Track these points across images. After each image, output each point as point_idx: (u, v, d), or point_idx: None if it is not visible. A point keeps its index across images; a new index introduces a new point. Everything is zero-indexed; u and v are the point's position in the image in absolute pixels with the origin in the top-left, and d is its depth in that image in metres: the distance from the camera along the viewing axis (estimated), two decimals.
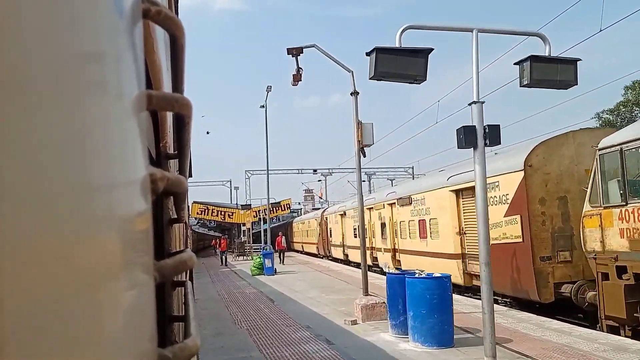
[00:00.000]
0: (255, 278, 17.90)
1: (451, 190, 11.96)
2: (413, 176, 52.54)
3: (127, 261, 0.44)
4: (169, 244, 1.02)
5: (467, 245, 11.47)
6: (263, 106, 28.35)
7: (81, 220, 0.32)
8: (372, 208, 17.98)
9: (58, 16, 0.31)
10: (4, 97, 0.24)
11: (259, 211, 46.57)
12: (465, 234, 11.61)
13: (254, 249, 36.56)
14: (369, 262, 18.46)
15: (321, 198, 57.36)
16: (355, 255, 21.27)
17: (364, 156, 10.00)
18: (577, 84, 6.39)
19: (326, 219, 29.81)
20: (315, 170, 53.18)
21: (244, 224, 49.96)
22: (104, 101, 0.40)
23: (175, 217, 1.09)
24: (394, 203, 16.13)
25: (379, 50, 5.77)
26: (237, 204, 53.34)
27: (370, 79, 6.01)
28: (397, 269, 15.32)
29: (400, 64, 6.00)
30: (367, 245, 19.07)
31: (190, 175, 7.25)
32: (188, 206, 8.97)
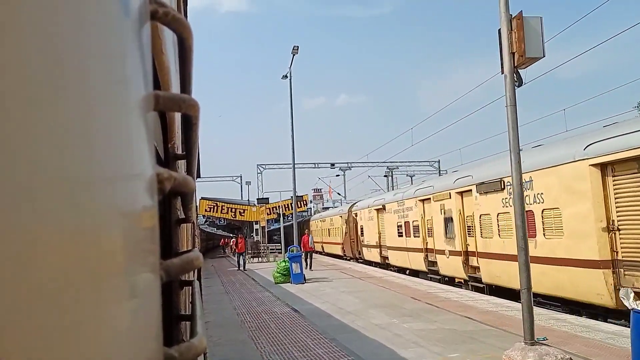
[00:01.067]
0: (280, 287, 14.82)
1: (593, 165, 8.19)
2: (439, 171, 47.24)
3: (133, 260, 0.46)
4: (177, 244, 1.03)
5: (623, 248, 7.70)
6: (286, 76, 25.49)
7: (88, 219, 0.34)
8: (427, 200, 15.57)
9: (65, 17, 0.32)
10: (11, 97, 0.25)
11: (273, 208, 44.20)
12: (619, 230, 7.81)
13: (272, 249, 34.88)
14: (422, 267, 17.50)
15: (331, 197, 54.40)
16: (399, 259, 19.40)
17: (519, 85, 6.20)
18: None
19: (356, 215, 26.87)
20: (333, 164, 53.89)
21: (256, 222, 46.15)
22: (112, 101, 0.41)
23: (183, 217, 1.11)
24: (469, 190, 12.69)
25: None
26: (248, 200, 51.14)
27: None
28: (470, 277, 13.15)
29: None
30: (420, 246, 17.42)
31: (198, 176, 7.02)
32: (196, 205, 8.07)
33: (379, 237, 20.90)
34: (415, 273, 16.80)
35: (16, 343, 0.24)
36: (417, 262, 16.23)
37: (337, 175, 53.94)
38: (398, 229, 17.87)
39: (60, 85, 0.31)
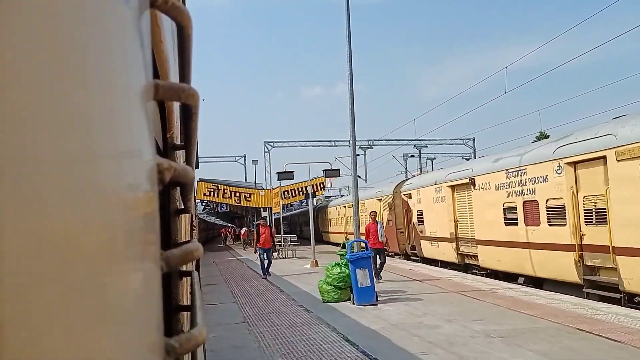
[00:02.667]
0: (338, 312, 8.94)
1: None
2: (474, 151, 48.61)
3: (134, 250, 0.48)
4: (176, 234, 1.07)
5: None
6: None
7: (88, 209, 0.35)
8: (589, 162, 9.75)
9: (64, 4, 0.33)
10: (10, 86, 0.26)
11: (293, 190, 36.80)
12: None
13: (292, 241, 28.44)
14: (569, 275, 10.39)
15: (330, 187, 48.25)
16: (504, 259, 12.78)
17: None
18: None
19: (408, 197, 20.08)
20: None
21: (264, 209, 38.90)
22: (111, 91, 0.43)
23: (182, 207, 1.13)
24: None
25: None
26: (255, 182, 43.51)
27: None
28: None
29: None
30: (567, 240, 10.38)
31: (197, 166, 6.77)
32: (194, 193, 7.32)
33: (455, 227, 15.77)
34: (537, 282, 11.38)
35: (16, 332, 0.24)
36: (557, 266, 10.52)
37: (357, 155, 43.08)
38: (505, 214, 12.45)
39: (60, 74, 0.31)
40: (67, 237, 0.31)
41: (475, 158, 32.37)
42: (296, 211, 55.03)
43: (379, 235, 11.59)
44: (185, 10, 0.71)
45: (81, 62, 0.35)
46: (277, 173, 20.48)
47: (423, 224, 17.66)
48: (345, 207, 32.36)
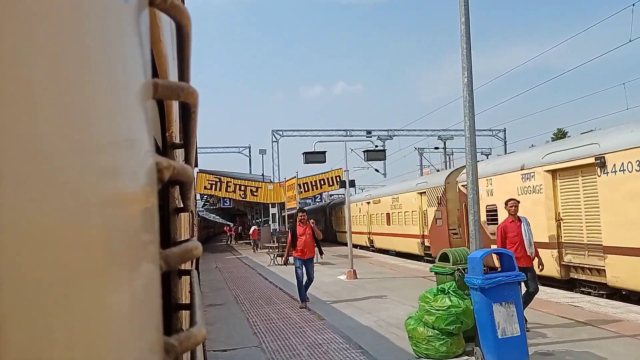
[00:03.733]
0: None
1: None
2: (505, 144, 44.29)
3: (133, 249, 0.50)
4: (175, 233, 1.09)
5: None
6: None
7: (87, 208, 0.35)
8: None
9: (63, 3, 0.33)
10: (8, 85, 0.26)
11: (312, 182, 32.68)
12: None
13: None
14: None
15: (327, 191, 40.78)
16: None
17: None
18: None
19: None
20: (369, 132, 42.88)
21: (273, 205, 34.09)
22: (109, 90, 0.43)
23: (182, 206, 1.14)
24: None
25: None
26: (262, 175, 39.61)
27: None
28: None
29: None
30: None
31: (196, 165, 6.87)
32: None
33: (557, 228, 11.34)
34: None
35: (14, 332, 0.25)
36: None
37: (376, 147, 37.34)
38: None
39: (58, 73, 0.31)
40: (65, 236, 0.31)
41: (505, 152, 29.53)
42: (305, 208, 50.66)
43: (527, 245, 6.57)
44: (184, 9, 0.73)
45: (79, 60, 0.35)
46: (304, 154, 15.50)
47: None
48: (369, 202, 29.56)
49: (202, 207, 59.54)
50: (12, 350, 0.24)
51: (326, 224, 39.06)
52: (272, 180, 34.89)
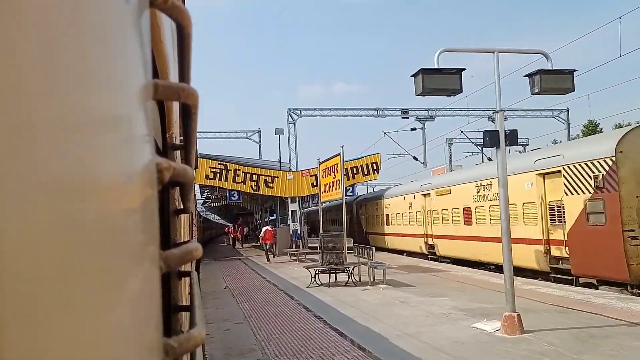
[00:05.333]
0: None
1: None
2: (569, 127, 34.81)
3: (133, 250, 0.51)
4: (175, 234, 1.08)
5: None
6: None
7: (87, 209, 0.37)
8: None
9: (64, 4, 0.34)
10: (9, 86, 0.26)
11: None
12: None
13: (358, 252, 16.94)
14: None
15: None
16: None
17: None
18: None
19: None
20: (405, 112, 33.62)
21: (293, 199, 27.04)
22: (110, 90, 0.45)
23: (182, 207, 1.14)
24: None
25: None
26: (279, 162, 29.66)
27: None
28: None
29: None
30: None
31: (196, 167, 6.37)
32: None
33: None
34: None
35: (15, 332, 0.25)
36: None
37: (413, 129, 27.65)
38: None
39: (59, 73, 0.32)
40: (65, 237, 0.32)
41: (569, 138, 26.58)
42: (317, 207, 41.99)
43: None
44: (185, 10, 0.75)
45: (80, 60, 0.36)
46: (421, 73, 7.89)
47: None
48: (428, 194, 22.95)
49: (201, 205, 50.18)
50: (12, 350, 0.25)
51: (352, 225, 31.58)
52: (290, 168, 27.15)
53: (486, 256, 16.76)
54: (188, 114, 0.87)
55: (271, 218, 34.90)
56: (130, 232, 0.49)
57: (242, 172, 26.98)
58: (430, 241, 22.51)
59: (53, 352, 0.28)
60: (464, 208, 18.66)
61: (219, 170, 26.55)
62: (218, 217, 72.56)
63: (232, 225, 60.99)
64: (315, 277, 14.39)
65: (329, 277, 14.26)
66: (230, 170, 26.83)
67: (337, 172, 18.42)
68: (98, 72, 0.40)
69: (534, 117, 34.32)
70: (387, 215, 27.99)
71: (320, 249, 15.31)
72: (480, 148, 36.22)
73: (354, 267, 14.60)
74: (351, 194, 32.26)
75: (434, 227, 21.85)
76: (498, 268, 14.95)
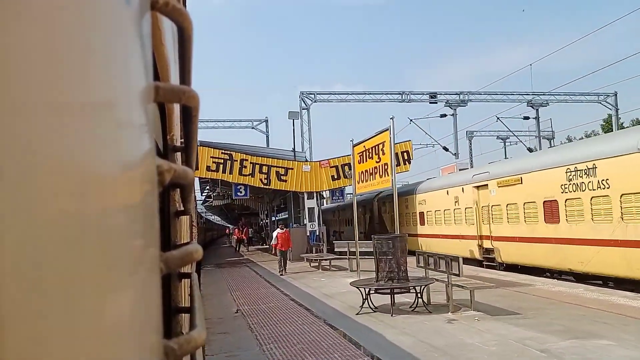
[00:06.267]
0: None
1: None
2: (617, 113, 29.99)
3: (134, 252, 0.52)
4: (175, 236, 1.09)
5: None
6: None
7: (88, 211, 0.38)
8: None
9: (65, 6, 0.35)
10: (11, 88, 0.27)
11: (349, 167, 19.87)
12: None
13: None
14: None
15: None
16: None
17: None
18: None
19: None
20: (433, 96, 29.61)
21: (310, 195, 22.87)
22: (111, 92, 0.46)
23: (182, 209, 1.15)
24: None
25: None
26: (293, 150, 25.48)
27: None
28: None
29: None
30: None
31: (197, 169, 5.69)
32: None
33: None
34: None
35: (15, 334, 0.25)
36: None
37: (443, 116, 21.46)
38: None
39: (61, 76, 0.33)
40: (66, 239, 0.33)
41: (618, 126, 23.12)
42: (330, 205, 36.75)
43: None
44: (186, 13, 0.76)
45: (82, 63, 0.37)
46: None
47: None
48: (484, 186, 17.83)
49: (201, 205, 45.55)
50: (12, 351, 0.25)
51: (372, 224, 27.25)
52: (307, 158, 22.83)
53: (582, 264, 12.52)
54: (189, 116, 0.88)
55: (281, 216, 30.57)
56: (131, 233, 0.49)
57: (250, 163, 23.30)
58: (486, 244, 17.91)
59: (53, 354, 0.29)
60: (545, 201, 14.28)
61: (222, 161, 22.83)
62: (219, 218, 68.54)
63: (232, 226, 56.65)
64: (366, 297, 9.75)
65: (392, 299, 9.54)
66: (236, 160, 23.13)
67: (385, 154, 13.96)
68: (99, 74, 0.41)
69: (578, 102, 30.43)
70: (422, 213, 23.59)
71: (375, 258, 10.49)
72: (504, 141, 32.10)
73: (425, 286, 9.94)
74: (338, 198, 29.21)
75: (493, 227, 17.33)
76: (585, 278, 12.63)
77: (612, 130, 29.21)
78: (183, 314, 1.08)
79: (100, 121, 0.40)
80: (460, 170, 23.85)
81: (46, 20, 0.30)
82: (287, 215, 31.13)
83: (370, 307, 9.97)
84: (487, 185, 17.66)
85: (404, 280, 10.29)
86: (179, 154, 1.25)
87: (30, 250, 0.27)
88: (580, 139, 38.97)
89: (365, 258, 15.95)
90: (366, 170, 15.71)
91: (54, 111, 0.31)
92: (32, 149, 0.27)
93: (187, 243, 0.89)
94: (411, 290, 9.88)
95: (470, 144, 37.02)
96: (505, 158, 31.59)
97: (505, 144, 36.75)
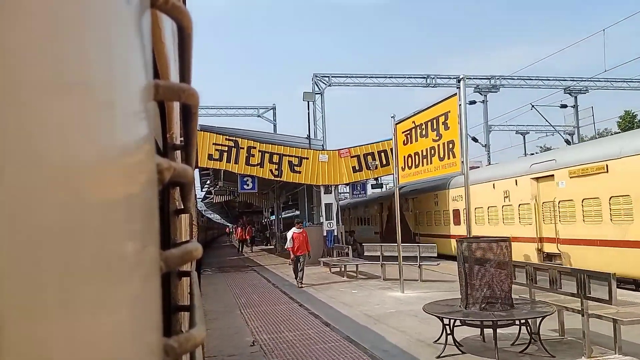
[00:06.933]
0: None
1: None
2: None
3: (133, 250, 0.53)
4: (175, 234, 1.09)
5: None
6: None
7: (87, 209, 0.39)
8: None
9: (65, 4, 0.36)
10: (8, 86, 0.27)
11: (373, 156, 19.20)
12: None
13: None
14: None
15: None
16: None
17: None
18: None
19: None
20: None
21: (327, 189, 19.75)
22: (111, 90, 0.47)
23: (182, 207, 1.14)
24: None
25: None
26: (308, 137, 22.52)
27: None
28: None
29: None
30: None
31: (197, 166, 6.59)
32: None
33: None
34: None
35: (14, 332, 0.26)
36: None
37: (473, 103, 16.40)
38: None
39: (60, 74, 0.34)
40: (65, 237, 0.33)
41: None
42: (341, 202, 32.92)
43: None
44: (185, 11, 0.76)
45: (82, 61, 0.38)
46: None
47: None
48: (550, 175, 14.22)
49: (201, 201, 42.25)
50: (12, 350, 0.25)
51: (389, 224, 24.34)
52: (324, 146, 19.73)
53: None
54: (189, 114, 0.89)
55: (287, 214, 27.43)
56: (131, 232, 0.50)
57: (259, 151, 20.51)
58: (548, 248, 14.50)
59: (53, 353, 0.29)
60: None
61: (227, 149, 20.07)
62: (219, 217, 65.63)
63: (232, 225, 53.23)
64: (451, 333, 6.67)
65: (495, 336, 6.24)
66: (243, 148, 20.47)
67: (450, 128, 10.03)
68: (99, 72, 0.41)
69: (621, 89, 27.41)
70: (457, 212, 19.78)
71: (461, 270, 6.98)
72: (523, 136, 29.08)
73: (543, 319, 6.68)
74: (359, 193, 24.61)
75: (561, 227, 13.77)
76: None
77: None
78: (183, 312, 1.09)
79: (100, 119, 0.41)
80: (471, 168, 20.12)
81: (45, 18, 0.30)
82: (297, 212, 28.60)
83: (455, 344, 6.73)
84: (552, 176, 14.27)
85: (507, 306, 6.93)
86: (178, 152, 1.24)
87: (30, 249, 0.27)
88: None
89: (389, 263, 13.63)
90: (416, 154, 11.90)
91: (53, 109, 0.31)
92: (31, 147, 0.28)
93: (187, 241, 0.90)
94: (525, 324, 6.71)
95: (488, 138, 34.18)
96: (525, 155, 28.99)
97: (524, 139, 33.86)
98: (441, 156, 10.72)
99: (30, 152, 0.27)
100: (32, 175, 0.28)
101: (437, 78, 26.53)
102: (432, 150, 11.15)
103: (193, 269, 1.84)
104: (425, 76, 26.45)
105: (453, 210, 20.29)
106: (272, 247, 34.92)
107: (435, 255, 13.96)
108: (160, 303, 0.67)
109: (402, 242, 11.73)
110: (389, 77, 26.87)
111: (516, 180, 15.97)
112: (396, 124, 12.65)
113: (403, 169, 12.47)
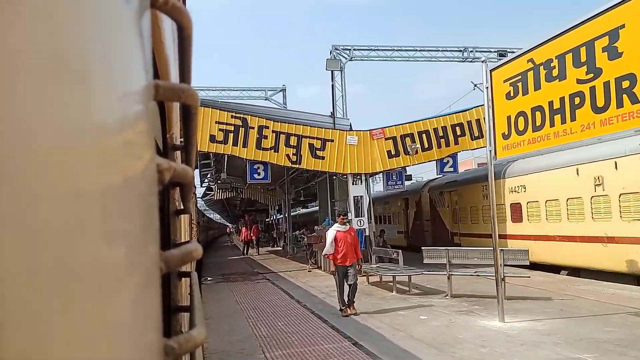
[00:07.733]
0: None
1: None
2: None
3: (134, 251, 0.54)
4: (175, 235, 1.10)
5: None
6: None
7: (87, 209, 0.40)
8: None
9: (64, 5, 0.37)
10: (7, 86, 0.28)
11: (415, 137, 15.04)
12: None
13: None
14: None
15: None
16: None
17: None
18: None
19: None
20: (504, 54, 21.48)
21: (356, 177, 15.46)
22: (111, 91, 0.48)
23: (182, 207, 1.16)
24: None
25: None
26: (332, 116, 17.25)
27: None
28: None
29: None
30: None
31: (197, 167, 6.27)
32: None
33: None
34: None
35: (14, 333, 0.26)
36: None
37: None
38: None
39: (60, 74, 0.35)
40: (65, 238, 0.34)
41: None
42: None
43: None
44: (185, 11, 0.78)
45: (81, 62, 0.39)
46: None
47: None
48: None
49: (201, 199, 38.49)
50: (12, 351, 0.26)
51: (418, 223, 25.00)
52: (351, 127, 16.02)
53: None
54: (188, 115, 0.91)
55: (300, 211, 23.53)
56: (131, 232, 0.51)
57: (272, 131, 15.90)
58: None
59: (53, 353, 0.30)
60: None
61: (233, 128, 16.37)
62: (219, 217, 62.26)
63: (232, 225, 49.45)
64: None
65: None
66: (253, 128, 15.93)
67: (626, 50, 5.46)
68: (99, 73, 0.42)
69: None
70: (517, 205, 15.84)
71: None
72: None
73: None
74: (399, 184, 18.77)
75: None
76: None
77: None
78: (183, 313, 1.09)
79: (100, 119, 0.41)
80: (479, 165, 15.72)
81: (45, 19, 0.31)
82: (317, 208, 25.24)
83: None
84: None
85: None
86: (178, 153, 1.25)
87: (29, 249, 0.27)
88: None
89: (458, 274, 10.38)
90: (536, 108, 7.45)
91: (52, 110, 0.31)
92: (31, 148, 0.28)
93: (187, 242, 0.91)
94: None
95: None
96: None
97: None
98: (599, 105, 6.33)
99: (30, 152, 0.28)
100: (32, 176, 0.28)
101: (475, 51, 23.04)
102: (577, 98, 6.70)
103: (193, 269, 1.87)
104: (462, 49, 23.02)
105: (511, 204, 16.39)
106: (280, 248, 31.63)
107: (528, 263, 10.02)
108: (160, 303, 0.68)
109: (430, 243, 7.88)
110: (419, 50, 23.44)
111: (615, 163, 12.13)
112: (491, 70, 8.45)
113: (507, 136, 8.19)
